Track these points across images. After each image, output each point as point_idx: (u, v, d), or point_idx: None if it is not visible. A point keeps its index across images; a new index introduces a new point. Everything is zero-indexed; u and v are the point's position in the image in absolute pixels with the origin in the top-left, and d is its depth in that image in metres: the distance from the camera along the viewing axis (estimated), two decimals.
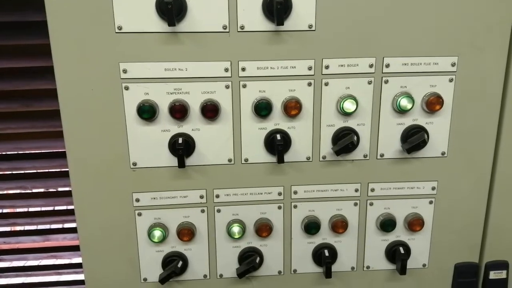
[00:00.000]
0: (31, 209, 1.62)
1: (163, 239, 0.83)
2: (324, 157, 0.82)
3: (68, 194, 1.55)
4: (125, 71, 0.75)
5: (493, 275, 0.90)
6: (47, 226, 1.65)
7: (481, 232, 0.89)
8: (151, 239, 0.83)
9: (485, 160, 0.84)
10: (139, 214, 0.83)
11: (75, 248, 1.67)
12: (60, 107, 0.77)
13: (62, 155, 1.44)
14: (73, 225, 1.64)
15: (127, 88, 0.76)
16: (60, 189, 1.56)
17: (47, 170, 1.51)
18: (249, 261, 0.85)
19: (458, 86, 0.80)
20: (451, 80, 0.79)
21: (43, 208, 1.62)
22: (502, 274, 0.91)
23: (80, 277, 1.72)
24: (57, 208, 1.60)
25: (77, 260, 1.70)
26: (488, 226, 0.88)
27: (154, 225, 0.84)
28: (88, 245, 0.84)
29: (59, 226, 1.65)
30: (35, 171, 1.51)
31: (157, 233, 0.83)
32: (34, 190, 1.56)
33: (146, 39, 0.74)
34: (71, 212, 1.59)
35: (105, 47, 0.74)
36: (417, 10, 0.76)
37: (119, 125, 0.78)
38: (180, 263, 0.85)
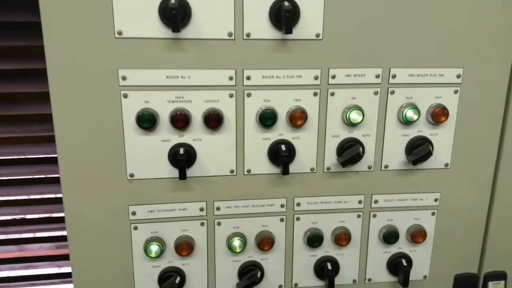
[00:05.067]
0: (2, 218, 1.53)
1: (160, 254, 0.79)
2: (328, 168, 0.81)
3: (44, 202, 1.48)
4: (124, 78, 0.71)
5: (491, 285, 0.91)
6: (19, 236, 1.57)
7: (481, 243, 0.89)
8: (147, 254, 0.79)
9: (487, 172, 0.85)
10: (135, 228, 0.79)
11: (50, 258, 1.59)
12: (53, 114, 0.72)
13: (41, 161, 1.37)
14: (45, 234, 1.56)
15: (126, 96, 0.72)
16: (33, 196, 1.48)
17: (24, 177, 1.43)
18: (250, 275, 0.82)
19: (462, 98, 0.80)
20: (456, 92, 0.79)
21: (16, 217, 1.54)
22: (500, 285, 0.91)
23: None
24: (29, 216, 1.53)
25: (52, 270, 1.61)
26: (487, 237, 0.88)
27: (151, 239, 0.80)
28: (79, 259, 0.80)
29: (31, 235, 1.57)
30: (10, 177, 1.43)
31: (154, 247, 0.79)
32: (8, 198, 1.48)
33: (147, 45, 0.70)
34: (44, 221, 1.51)
35: (104, 52, 0.70)
36: (424, 22, 0.75)
37: (116, 134, 0.74)
38: (178, 279, 0.81)
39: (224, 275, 0.84)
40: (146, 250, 0.79)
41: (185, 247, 0.80)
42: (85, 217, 0.77)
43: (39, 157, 1.38)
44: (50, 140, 1.26)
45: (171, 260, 0.82)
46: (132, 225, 0.79)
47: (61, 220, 1.44)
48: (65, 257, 1.51)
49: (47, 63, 0.69)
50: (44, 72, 1.15)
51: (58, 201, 1.39)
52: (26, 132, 1.32)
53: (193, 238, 0.81)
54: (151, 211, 0.79)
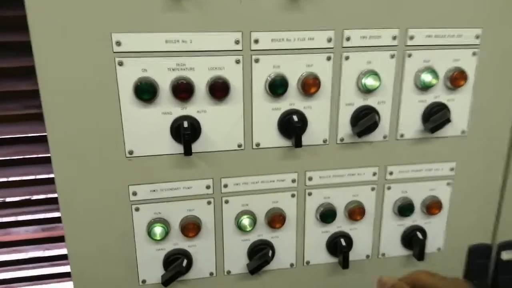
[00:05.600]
0: None
1: (165, 236, 0.74)
2: (342, 139, 0.75)
3: (25, 184, 1.38)
4: (118, 44, 0.64)
5: (504, 255, 0.89)
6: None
7: (495, 213, 0.86)
8: (151, 237, 0.73)
9: (503, 138, 0.81)
10: (137, 209, 0.73)
11: (35, 242, 1.51)
12: (40, 87, 0.64)
13: (18, 142, 1.27)
14: (29, 217, 1.48)
15: (121, 64, 0.65)
16: (12, 178, 1.38)
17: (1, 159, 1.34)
18: (261, 255, 0.77)
19: (481, 60, 0.75)
20: (474, 54, 0.75)
21: None
22: None
23: (46, 271, 1.56)
24: (10, 199, 1.43)
25: (38, 253, 1.53)
26: (502, 207, 0.86)
27: (154, 220, 0.74)
28: (77, 245, 0.73)
29: (13, 218, 1.48)
30: None
31: (158, 229, 0.73)
32: None
33: (143, 5, 0.63)
34: (24, 204, 1.42)
35: (94, 14, 0.62)
36: None
37: (112, 107, 0.67)
38: (185, 261, 0.76)
39: (233, 256, 0.79)
40: (149, 232, 0.73)
41: (191, 227, 0.74)
42: (81, 200, 0.71)
43: (15, 137, 1.27)
44: (25, 118, 1.16)
45: (177, 242, 0.76)
46: (133, 206, 0.73)
47: (42, 202, 1.36)
48: (52, 240, 1.43)
49: (30, 30, 0.61)
50: (15, 45, 1.05)
51: (39, 182, 1.30)
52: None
53: (200, 218, 0.76)
54: (154, 191, 0.73)
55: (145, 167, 0.71)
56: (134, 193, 0.72)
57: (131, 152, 0.70)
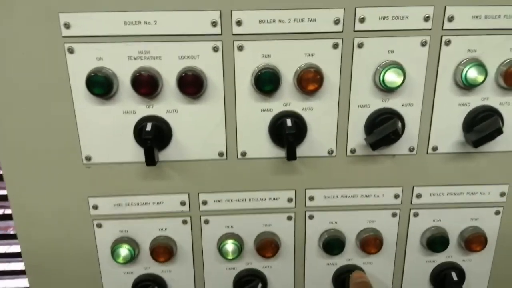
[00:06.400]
0: None
1: (131, 259, 0.61)
2: (353, 151, 0.59)
3: None
4: (67, 26, 0.52)
5: None
6: None
7: None
8: (115, 259, 0.61)
9: None
10: (99, 226, 0.62)
11: None
12: None
13: None
14: None
15: (71, 51, 0.53)
16: None
17: None
18: None
19: None
20: None
21: None
22: None
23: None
24: None
25: None
26: None
27: (120, 240, 0.62)
28: (35, 267, 0.63)
29: None
30: None
31: (123, 251, 0.61)
32: None
33: None
34: None
35: None
36: None
37: (64, 104, 0.55)
38: None
39: (215, 286, 0.66)
40: (113, 254, 0.61)
41: (162, 251, 0.61)
42: (36, 214, 0.60)
43: None
44: None
45: (148, 265, 0.64)
46: (95, 222, 0.61)
47: None
48: None
49: None
50: None
51: None
52: None
53: (174, 239, 0.63)
54: (118, 205, 0.61)
55: (107, 177, 0.59)
56: (95, 207, 0.60)
57: (88, 158, 0.58)
